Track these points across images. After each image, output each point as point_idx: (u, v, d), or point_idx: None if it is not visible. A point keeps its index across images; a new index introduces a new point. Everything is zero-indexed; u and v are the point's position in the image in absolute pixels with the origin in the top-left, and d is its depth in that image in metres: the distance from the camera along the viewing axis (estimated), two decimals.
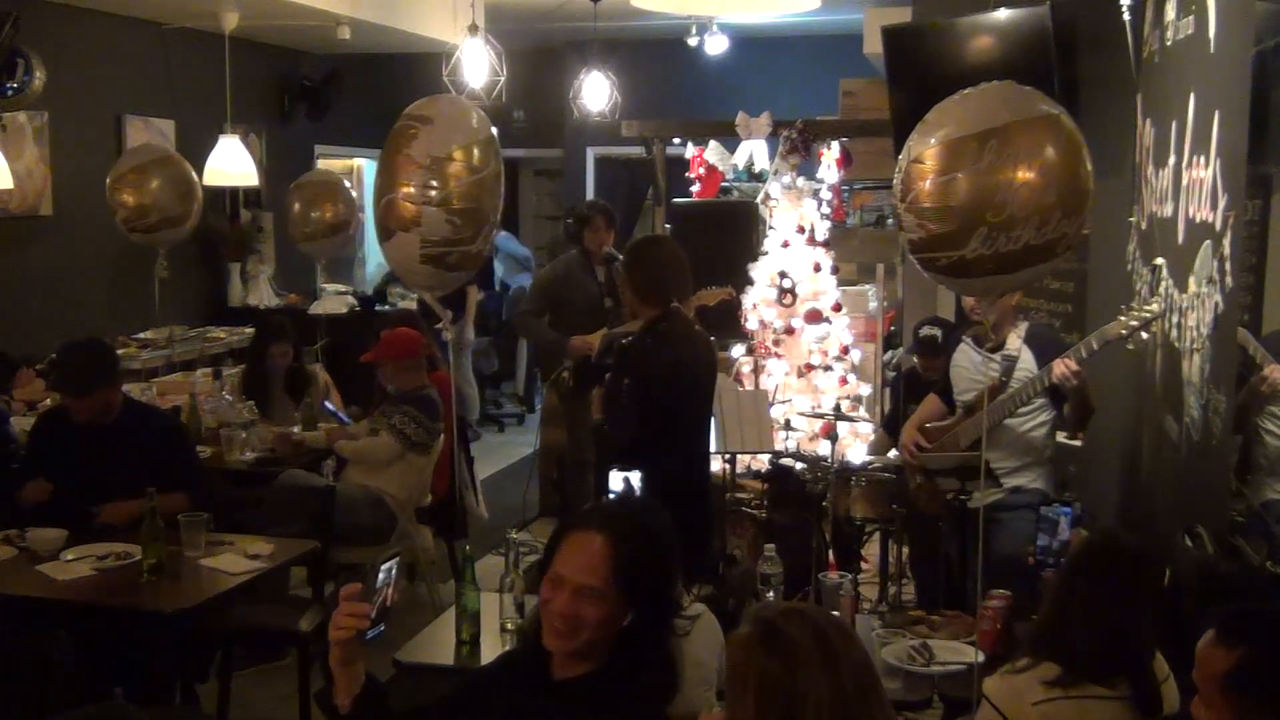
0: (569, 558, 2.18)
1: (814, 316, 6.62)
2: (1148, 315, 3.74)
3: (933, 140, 2.74)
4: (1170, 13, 3.80)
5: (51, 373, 4.35)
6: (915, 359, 5.57)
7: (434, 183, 3.30)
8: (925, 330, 5.46)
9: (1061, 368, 3.95)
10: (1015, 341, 4.22)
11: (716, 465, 5.01)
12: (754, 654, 1.96)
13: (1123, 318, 3.80)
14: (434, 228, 3.33)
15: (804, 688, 1.91)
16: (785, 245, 6.64)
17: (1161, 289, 3.79)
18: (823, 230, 6.83)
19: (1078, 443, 5.07)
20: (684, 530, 3.60)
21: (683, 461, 4.23)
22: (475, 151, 3.39)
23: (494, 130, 3.57)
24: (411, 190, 3.33)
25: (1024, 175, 2.66)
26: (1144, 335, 3.82)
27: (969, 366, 4.43)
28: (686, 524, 3.96)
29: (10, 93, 6.48)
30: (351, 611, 2.13)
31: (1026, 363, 4.20)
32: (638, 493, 3.83)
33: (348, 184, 7.24)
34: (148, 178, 5.90)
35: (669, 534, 2.29)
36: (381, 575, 2.21)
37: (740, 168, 7.35)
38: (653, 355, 4.12)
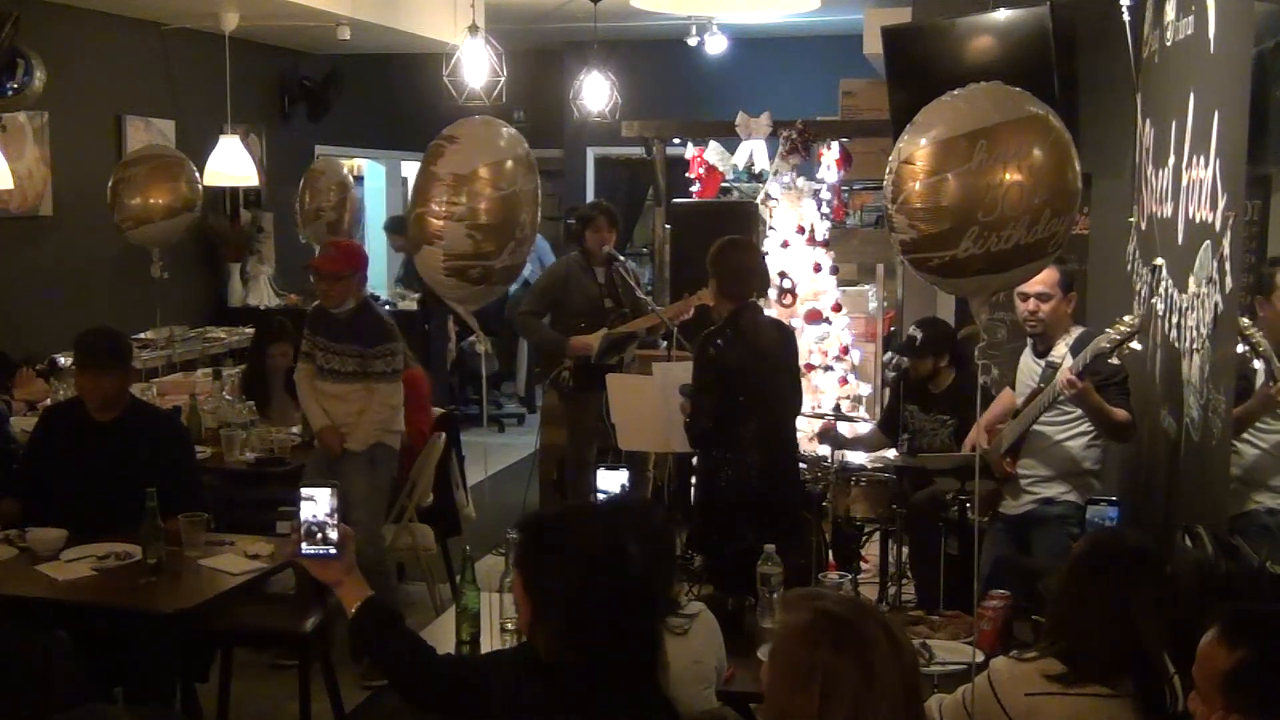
0: None
1: (814, 316, 6.61)
2: (1126, 330, 3.79)
3: (923, 141, 2.76)
4: (1170, 13, 3.80)
5: (74, 352, 4.45)
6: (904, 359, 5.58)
7: (456, 199, 3.40)
8: (911, 330, 5.48)
9: (1061, 379, 3.95)
10: (1061, 348, 4.19)
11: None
12: (820, 650, 1.89)
13: (1110, 330, 3.84)
14: (455, 242, 3.42)
15: (879, 688, 1.89)
16: (785, 245, 6.65)
17: (1161, 289, 3.80)
18: (823, 230, 6.83)
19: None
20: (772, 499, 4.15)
21: (759, 440, 4.51)
22: (500, 169, 3.48)
23: (526, 149, 3.62)
24: (435, 206, 3.43)
25: (1013, 175, 2.67)
26: (1135, 346, 3.84)
27: (1026, 372, 4.41)
28: (773, 494, 4.46)
29: (10, 93, 6.48)
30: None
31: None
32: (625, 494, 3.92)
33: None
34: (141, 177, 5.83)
35: (586, 547, 2.22)
36: (308, 500, 2.50)
37: (740, 168, 7.35)
38: (727, 345, 4.48)
